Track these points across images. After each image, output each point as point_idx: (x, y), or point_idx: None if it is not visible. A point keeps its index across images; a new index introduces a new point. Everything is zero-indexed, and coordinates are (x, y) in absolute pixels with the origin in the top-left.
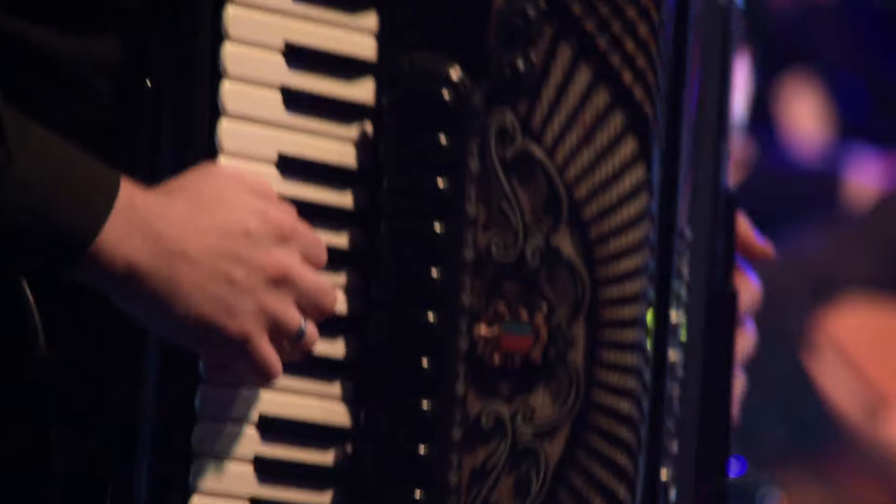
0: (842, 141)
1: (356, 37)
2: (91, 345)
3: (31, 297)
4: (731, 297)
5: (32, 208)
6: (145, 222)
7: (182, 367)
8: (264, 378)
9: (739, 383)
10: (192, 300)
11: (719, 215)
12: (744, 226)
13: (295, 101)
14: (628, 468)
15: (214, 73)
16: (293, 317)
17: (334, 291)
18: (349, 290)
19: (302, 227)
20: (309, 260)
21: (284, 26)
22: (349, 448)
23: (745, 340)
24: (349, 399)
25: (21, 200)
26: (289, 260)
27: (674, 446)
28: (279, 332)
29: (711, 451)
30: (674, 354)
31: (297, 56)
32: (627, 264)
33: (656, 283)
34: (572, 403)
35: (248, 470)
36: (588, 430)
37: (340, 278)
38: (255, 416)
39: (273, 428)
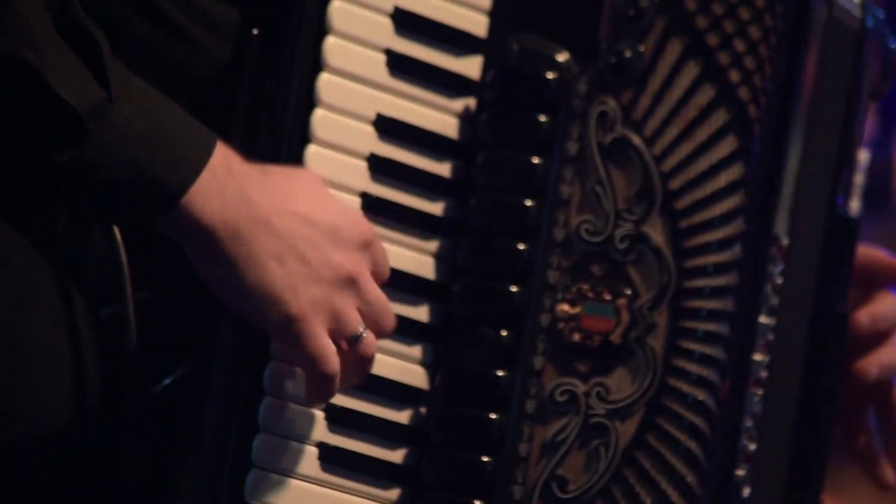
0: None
1: (468, 12)
2: (174, 286)
3: (119, 238)
4: (840, 318)
5: (129, 154)
6: (238, 185)
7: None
8: (319, 371)
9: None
10: (264, 270)
11: (832, 235)
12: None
13: (398, 65)
14: (699, 457)
15: (320, 29)
16: (354, 318)
17: (394, 315)
18: (437, 257)
19: (379, 244)
20: (376, 276)
21: None
22: (423, 409)
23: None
24: (427, 363)
25: (118, 145)
26: (362, 267)
27: (751, 446)
28: (338, 330)
29: (804, 470)
30: (759, 356)
31: (406, 22)
32: (716, 258)
33: (745, 281)
34: (648, 387)
35: (319, 416)
36: (661, 415)
37: (429, 245)
38: None
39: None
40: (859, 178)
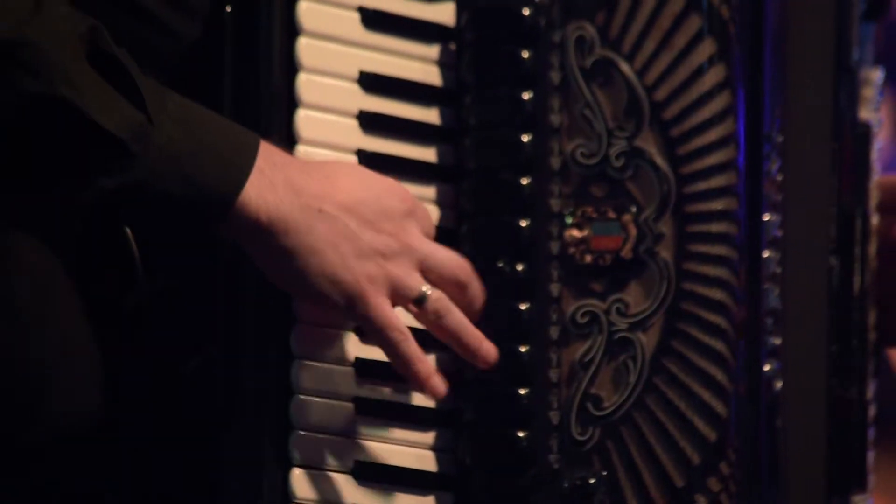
0: None
1: None
2: (192, 273)
3: (129, 232)
4: (863, 218)
5: (177, 170)
6: (287, 177)
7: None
8: (388, 338)
9: None
10: (322, 257)
11: (840, 138)
12: None
13: (372, 20)
14: (725, 354)
15: None
16: (414, 281)
17: (468, 264)
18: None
19: (421, 207)
20: (425, 235)
21: None
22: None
23: None
24: None
25: (165, 164)
26: (411, 233)
27: (776, 340)
28: (401, 296)
29: (843, 365)
30: (768, 252)
31: None
32: (711, 159)
33: (743, 179)
34: (664, 295)
35: (350, 370)
36: (682, 320)
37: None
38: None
39: None
40: (869, 92)
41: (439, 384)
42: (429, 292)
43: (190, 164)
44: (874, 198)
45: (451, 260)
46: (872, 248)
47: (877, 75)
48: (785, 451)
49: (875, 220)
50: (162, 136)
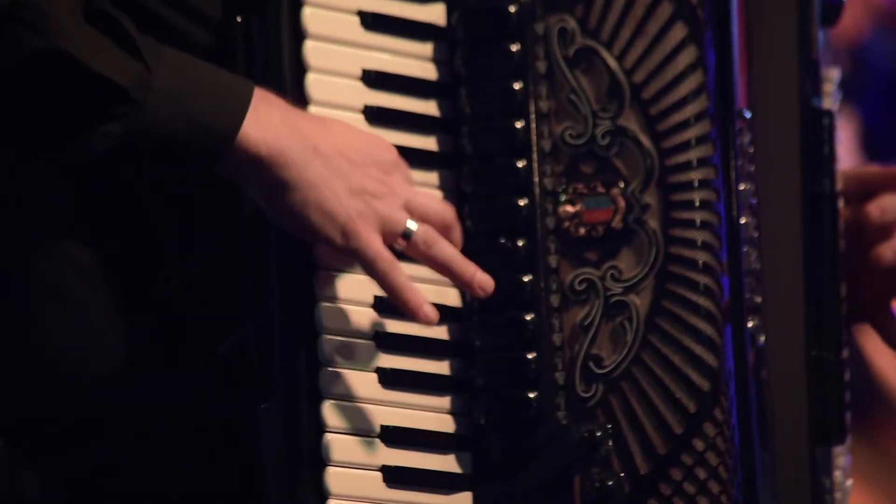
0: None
1: None
2: (219, 259)
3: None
4: (826, 197)
5: (178, 112)
6: (283, 116)
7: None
8: (377, 269)
9: None
10: (317, 191)
11: (804, 118)
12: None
13: (371, 22)
14: (713, 310)
15: (295, 4)
16: (400, 217)
17: (450, 206)
18: (442, 188)
19: (406, 168)
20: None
21: None
22: (462, 324)
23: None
24: None
25: (167, 107)
26: (398, 178)
27: (757, 298)
28: (389, 231)
29: (818, 322)
30: (745, 218)
31: None
32: (689, 134)
33: (719, 151)
34: (654, 260)
35: (371, 344)
36: (671, 281)
37: (431, 177)
38: (371, 297)
39: (393, 309)
40: (829, 87)
41: (431, 311)
42: (415, 227)
43: (190, 106)
44: (839, 182)
45: (434, 203)
46: (840, 226)
47: (835, 73)
48: (771, 401)
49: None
50: (161, 81)
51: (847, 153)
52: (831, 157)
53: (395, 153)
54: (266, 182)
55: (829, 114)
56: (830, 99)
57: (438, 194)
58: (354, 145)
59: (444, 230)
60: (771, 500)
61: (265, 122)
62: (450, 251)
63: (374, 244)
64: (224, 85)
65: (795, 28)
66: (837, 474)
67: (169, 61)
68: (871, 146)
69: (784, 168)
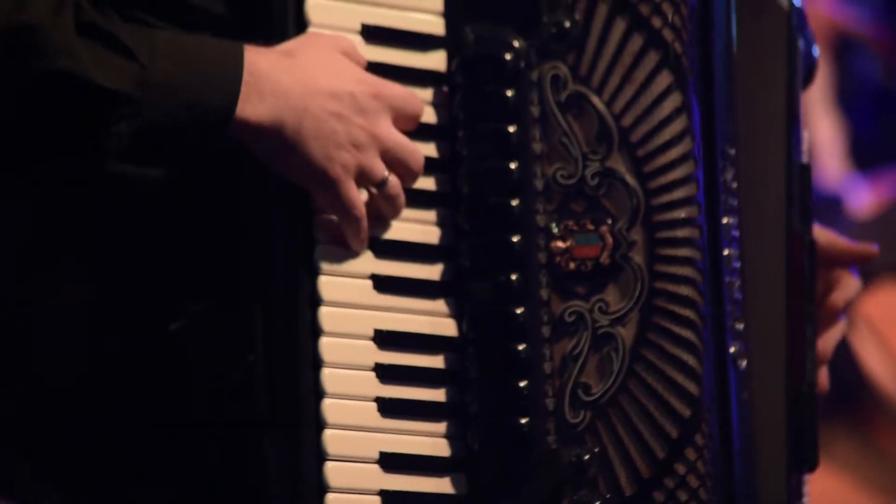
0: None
1: (425, 16)
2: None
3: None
4: (808, 243)
5: (178, 100)
6: (273, 85)
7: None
8: (351, 216)
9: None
10: (309, 150)
11: (792, 176)
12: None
13: (377, 71)
14: (695, 341)
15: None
16: (378, 168)
17: (420, 153)
18: (440, 225)
19: (392, 86)
20: (401, 113)
21: (360, 11)
22: (457, 354)
23: (841, 329)
24: (453, 314)
25: (167, 98)
26: (380, 124)
27: (739, 325)
28: (366, 179)
29: (796, 346)
30: (727, 251)
31: (373, 34)
32: (675, 174)
33: (703, 189)
34: (639, 293)
35: (371, 375)
36: (656, 314)
37: (430, 215)
38: (371, 331)
39: (393, 340)
40: (805, 146)
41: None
42: (390, 178)
43: (187, 90)
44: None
45: (410, 151)
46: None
47: (806, 136)
48: (752, 421)
49: None
50: (157, 75)
51: (835, 160)
52: (809, 210)
53: (378, 87)
54: (266, 147)
55: (808, 168)
56: (807, 157)
57: (436, 230)
58: (339, 93)
59: (408, 175)
60: None
61: (256, 96)
62: (403, 203)
63: (353, 195)
64: (215, 61)
65: (783, 84)
66: (805, 501)
67: (162, 50)
68: (859, 154)
69: (770, 209)
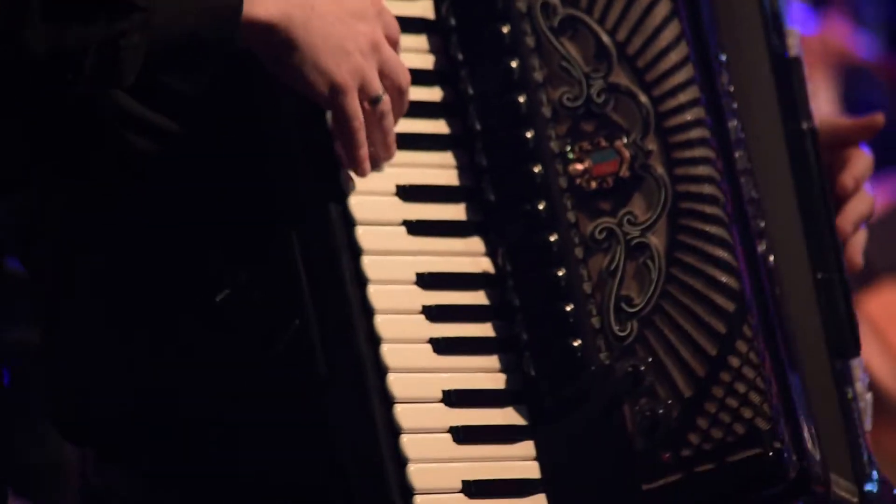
0: None
1: None
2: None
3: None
4: (807, 133)
5: (188, 6)
6: None
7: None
8: (351, 128)
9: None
10: (318, 50)
11: (780, 72)
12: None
13: None
14: (726, 237)
15: None
16: (376, 81)
17: (407, 72)
18: (458, 167)
19: (387, 10)
20: (389, 38)
21: None
22: (498, 289)
23: (864, 202)
24: (487, 250)
25: (173, 3)
26: (380, 34)
27: (761, 223)
28: (364, 92)
29: (818, 241)
30: (738, 153)
31: None
32: (677, 79)
33: (704, 91)
34: (665, 199)
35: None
36: (684, 216)
37: (447, 157)
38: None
39: (435, 281)
40: (793, 41)
41: (368, 166)
42: (384, 97)
43: (199, 5)
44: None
45: (402, 69)
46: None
47: (796, 33)
48: (788, 318)
49: None
50: None
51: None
52: (805, 99)
53: (378, 2)
54: (274, 45)
55: (798, 61)
56: (795, 50)
57: (455, 172)
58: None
59: (399, 96)
60: (805, 409)
61: None
62: (391, 124)
63: (354, 102)
64: None
65: None
66: (858, 385)
67: None
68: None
69: (764, 108)
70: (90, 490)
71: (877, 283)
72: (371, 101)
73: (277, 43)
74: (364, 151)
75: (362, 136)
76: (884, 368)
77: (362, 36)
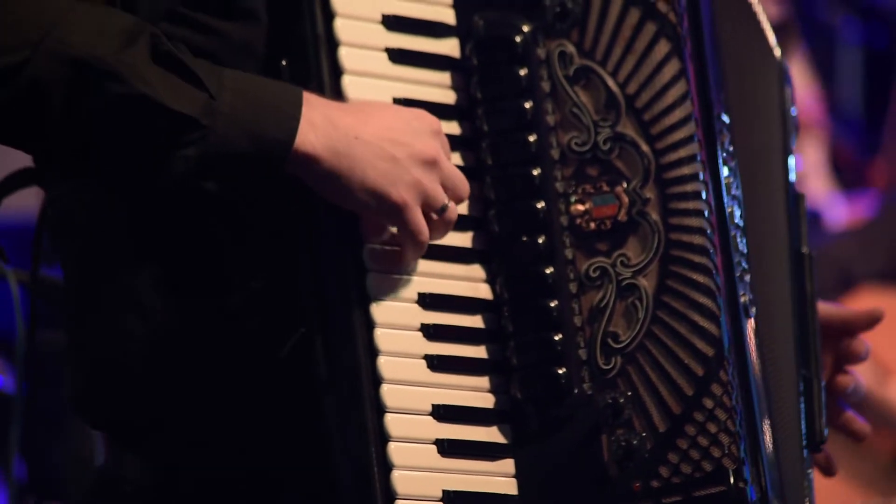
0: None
1: (438, 7)
2: (276, 273)
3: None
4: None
5: (243, 130)
6: (325, 114)
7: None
8: (417, 241)
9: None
10: (364, 174)
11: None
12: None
13: (398, 57)
14: (711, 286)
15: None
16: (440, 192)
17: (466, 181)
18: (470, 197)
19: (443, 135)
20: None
21: (379, 2)
22: (494, 314)
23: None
24: (487, 277)
25: (233, 127)
26: (438, 150)
27: (747, 277)
28: (428, 205)
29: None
30: (730, 207)
31: (393, 23)
32: (679, 134)
33: (705, 148)
34: (657, 245)
35: (419, 334)
36: (674, 263)
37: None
38: (415, 295)
39: (435, 302)
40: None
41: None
42: (449, 205)
43: (252, 123)
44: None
45: (462, 180)
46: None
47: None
48: (764, 365)
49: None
50: (224, 105)
51: (818, 180)
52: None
53: (436, 123)
54: (320, 173)
55: (803, 196)
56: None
57: (464, 202)
58: (394, 125)
59: (458, 202)
60: (771, 456)
61: (310, 126)
62: (450, 229)
63: (420, 219)
64: (277, 96)
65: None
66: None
67: (229, 85)
68: (839, 167)
69: (766, 166)
70: (102, 477)
71: (856, 289)
72: (438, 212)
73: (321, 171)
74: (418, 253)
75: (423, 248)
76: (867, 374)
77: (419, 153)
